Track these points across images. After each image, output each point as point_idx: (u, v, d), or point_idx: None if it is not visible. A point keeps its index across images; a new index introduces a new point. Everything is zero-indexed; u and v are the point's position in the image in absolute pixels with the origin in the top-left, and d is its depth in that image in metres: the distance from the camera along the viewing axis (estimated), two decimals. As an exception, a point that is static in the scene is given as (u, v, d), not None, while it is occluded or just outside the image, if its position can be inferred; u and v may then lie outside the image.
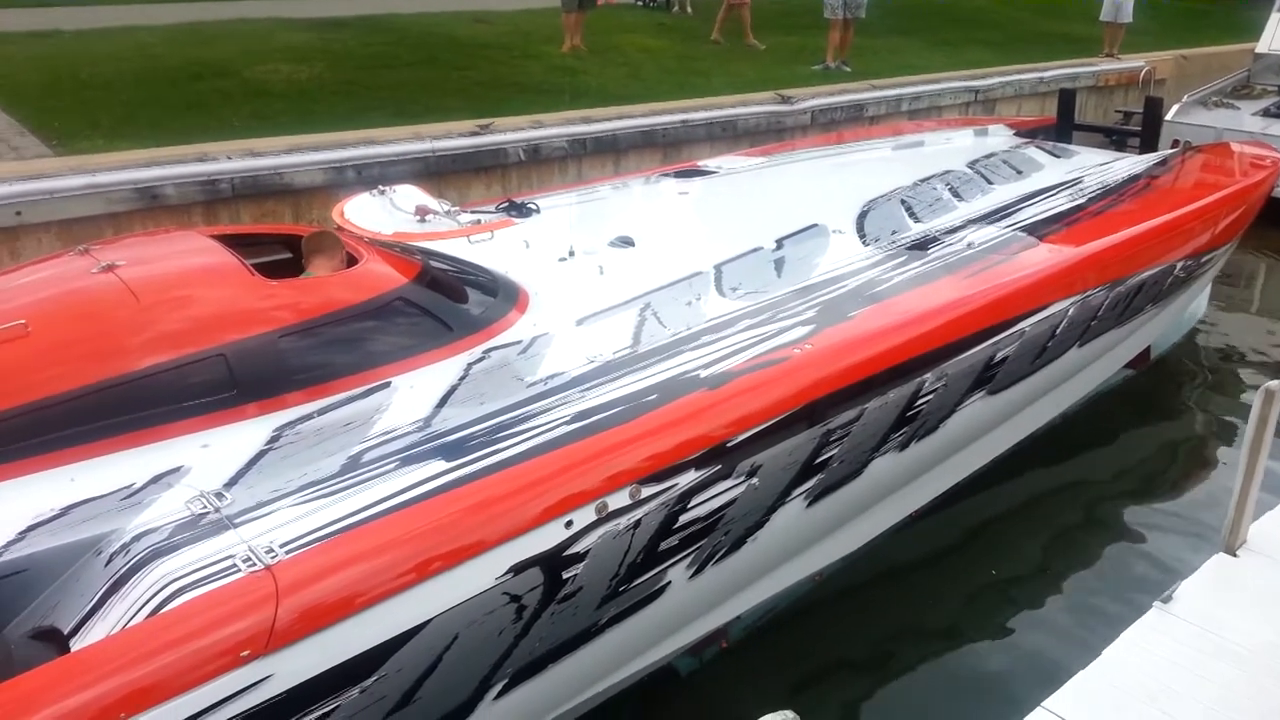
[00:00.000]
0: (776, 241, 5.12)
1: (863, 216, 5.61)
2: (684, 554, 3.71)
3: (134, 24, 11.34)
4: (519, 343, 3.94)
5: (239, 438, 3.23)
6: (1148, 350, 7.26)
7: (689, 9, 15.64)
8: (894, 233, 5.51)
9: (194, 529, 2.87)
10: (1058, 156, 7.39)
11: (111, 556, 2.81)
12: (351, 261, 3.98)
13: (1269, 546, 4.13)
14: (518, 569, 3.11)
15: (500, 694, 3.31)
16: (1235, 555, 4.08)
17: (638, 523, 3.43)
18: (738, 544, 3.94)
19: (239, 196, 6.66)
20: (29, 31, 10.60)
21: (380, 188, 5.18)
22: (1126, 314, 5.96)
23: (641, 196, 6.21)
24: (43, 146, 7.03)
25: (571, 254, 4.76)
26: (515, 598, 3.15)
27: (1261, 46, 13.41)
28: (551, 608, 3.28)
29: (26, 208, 5.91)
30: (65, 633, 2.67)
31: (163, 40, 10.72)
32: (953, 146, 7.57)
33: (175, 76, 9.16)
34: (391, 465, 3.21)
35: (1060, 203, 6.19)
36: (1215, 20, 21.18)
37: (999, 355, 4.83)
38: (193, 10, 11.97)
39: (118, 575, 2.74)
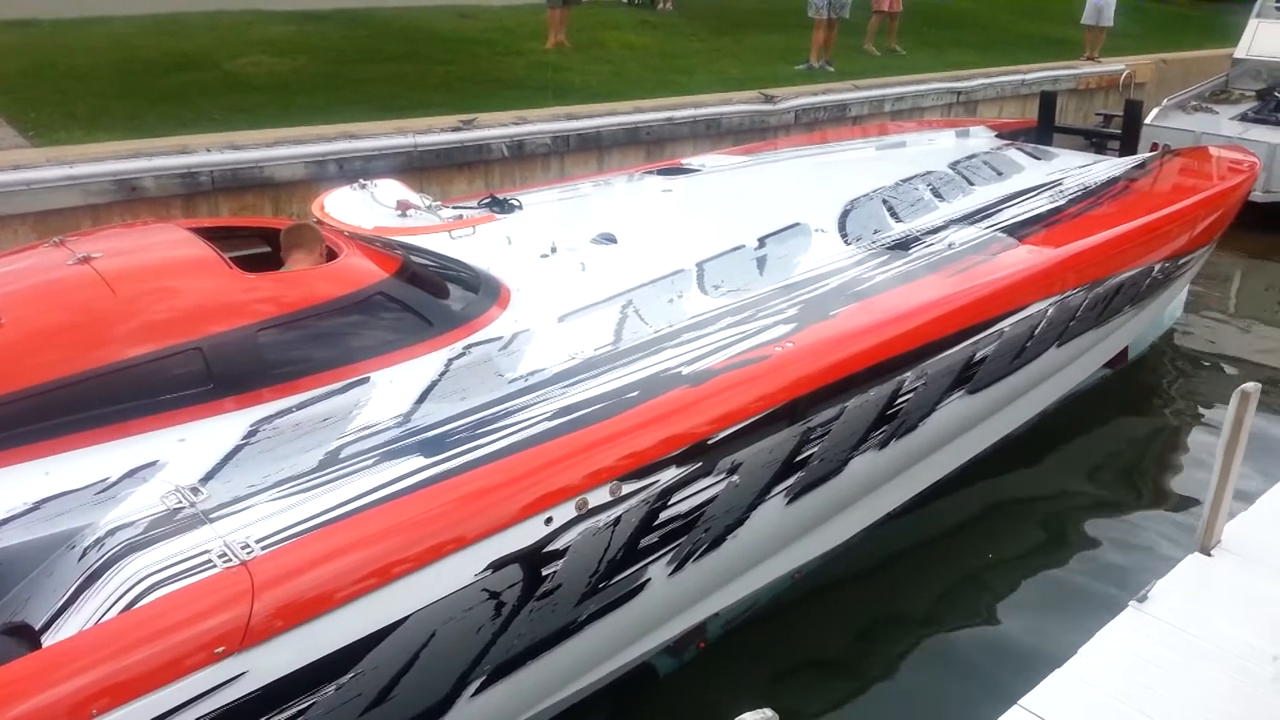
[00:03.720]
0: (759, 240, 5.13)
1: (845, 216, 5.62)
2: (664, 551, 3.70)
3: (112, 14, 11.22)
4: (500, 339, 3.92)
5: (215, 432, 3.19)
6: (1125, 351, 7.32)
7: (670, 5, 15.66)
8: (876, 232, 5.52)
9: (169, 524, 2.84)
10: (1038, 158, 7.43)
11: (85, 551, 2.78)
12: (331, 256, 3.95)
13: (1243, 547, 4.16)
14: (497, 565, 3.10)
15: (478, 691, 3.29)
16: (1210, 555, 4.11)
17: (618, 520, 3.42)
18: (717, 541, 3.94)
19: (218, 189, 6.61)
20: (5, 21, 10.47)
21: (361, 182, 5.14)
22: (1105, 315, 6.01)
23: (624, 194, 6.20)
24: (19, 137, 6.95)
25: (554, 250, 4.74)
26: (494, 594, 3.13)
27: (1240, 51, 13.54)
28: (530, 604, 3.27)
29: (2, 199, 5.85)
30: (37, 628, 2.64)
31: (141, 31, 10.63)
32: (934, 147, 7.60)
33: (154, 68, 9.09)
34: (370, 461, 3.19)
35: (1040, 204, 6.22)
36: (1195, 25, 21.38)
37: (978, 355, 4.85)
38: (172, 1, 11.85)
39: (91, 570, 2.71)
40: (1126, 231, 5.87)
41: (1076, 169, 7.11)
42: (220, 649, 2.55)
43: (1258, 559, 4.10)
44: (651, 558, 3.67)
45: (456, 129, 7.77)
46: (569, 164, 8.38)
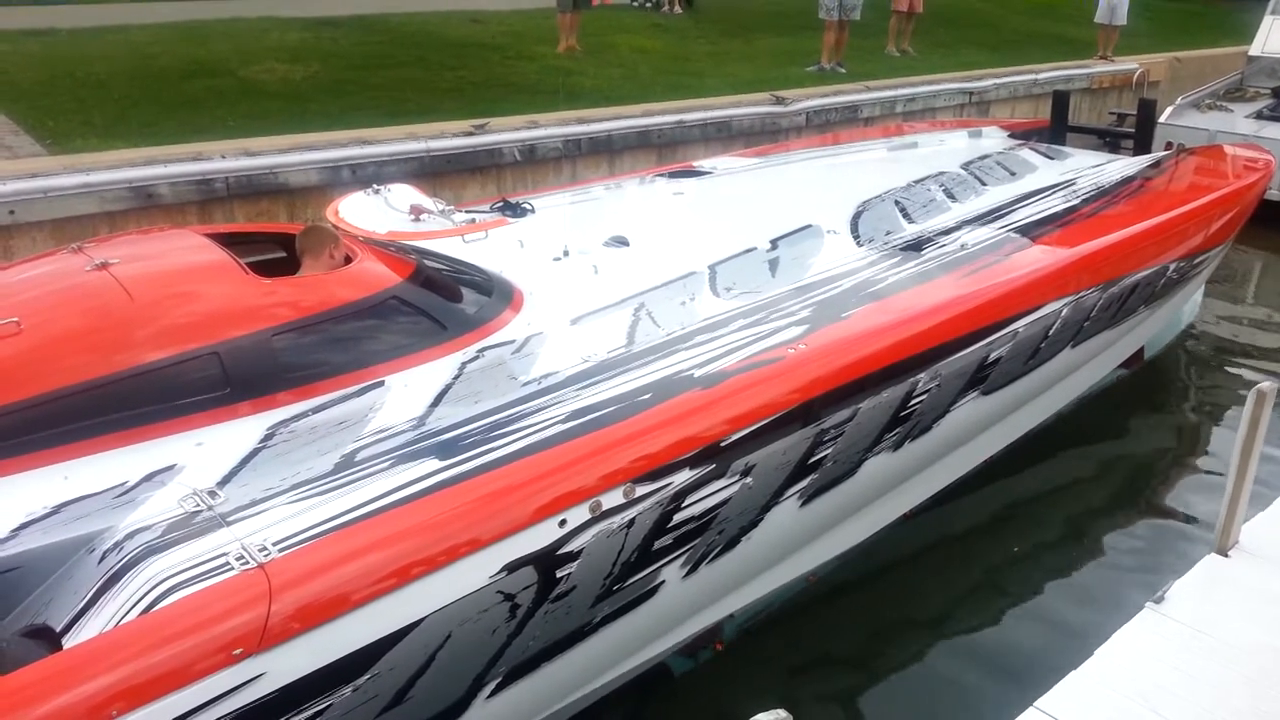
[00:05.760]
0: (771, 242, 5.13)
1: (857, 217, 5.62)
2: (678, 553, 3.71)
3: (128, 23, 11.31)
4: (513, 342, 3.94)
5: (232, 436, 3.22)
6: (1141, 351, 7.29)
7: (678, 8, 15.69)
8: (888, 233, 5.52)
9: (187, 527, 2.86)
10: (1051, 158, 7.41)
11: (104, 554, 2.81)
12: (346, 260, 3.98)
13: (1261, 547, 4.14)
14: (511, 567, 3.11)
15: (493, 693, 3.31)
16: (1227, 556, 4.09)
17: (631, 522, 3.43)
18: (731, 543, 3.94)
19: (234, 196, 6.65)
20: (23, 29, 10.58)
21: (375, 187, 5.17)
22: (1120, 315, 5.98)
23: (636, 197, 6.21)
24: (36, 145, 7.01)
25: (566, 254, 4.76)
26: (509, 596, 3.15)
27: (1254, 49, 13.47)
28: (545, 606, 3.28)
29: (20, 206, 5.89)
30: (57, 630, 2.66)
31: (157, 39, 10.71)
32: (947, 148, 7.59)
33: (170, 75, 9.16)
34: (385, 464, 3.21)
35: (1054, 204, 6.21)
36: (1209, 22, 21.27)
37: (992, 356, 4.84)
38: (187, 9, 11.95)
39: (110, 573, 2.73)
40: (1141, 231, 5.84)
41: (1090, 168, 7.09)
42: (238, 651, 2.57)
43: (1275, 559, 4.07)
44: (665, 560, 3.68)
45: (469, 134, 7.80)
46: (581, 167, 8.40)
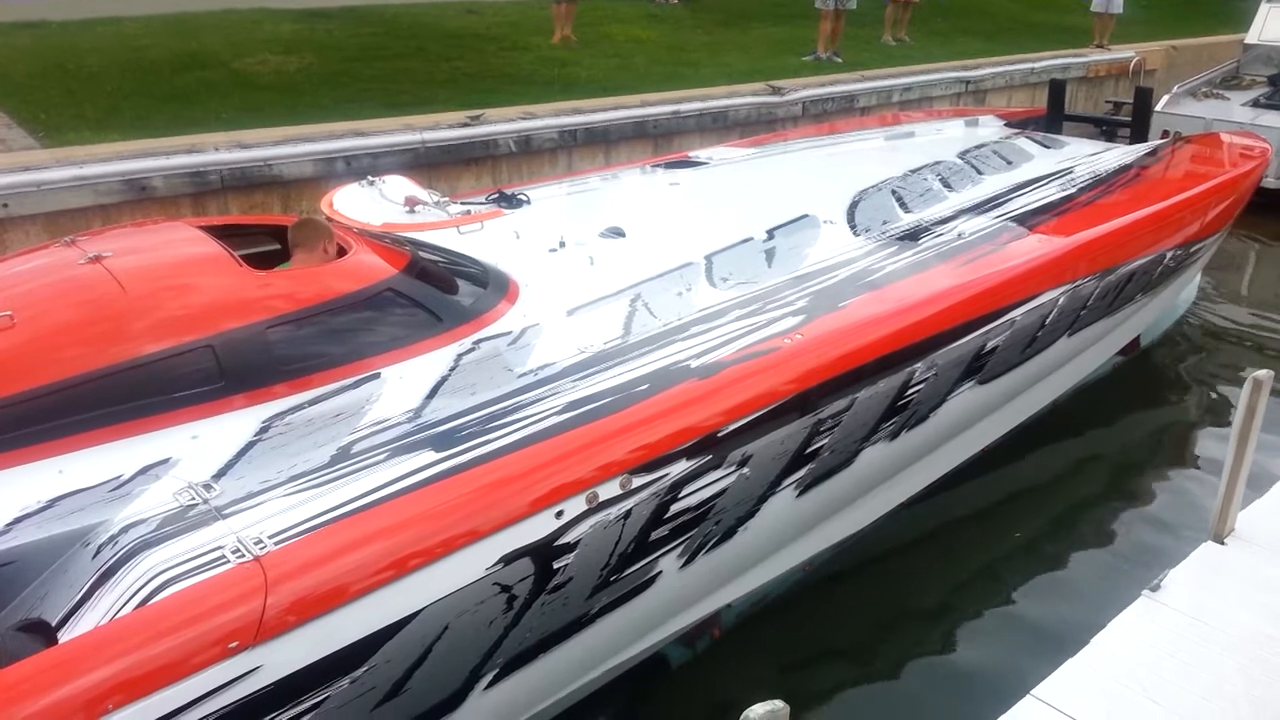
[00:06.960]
0: (767, 232, 5.12)
1: (853, 207, 5.61)
2: (675, 543, 3.71)
3: (120, 15, 11.26)
4: (509, 333, 3.93)
5: (228, 429, 3.21)
6: (1137, 339, 7.29)
7: None
8: (885, 223, 5.51)
9: (182, 520, 2.86)
10: (1048, 147, 7.40)
11: (100, 548, 2.80)
12: (340, 252, 3.96)
13: (1257, 535, 4.15)
14: (508, 559, 3.11)
15: (491, 684, 3.31)
16: (1223, 544, 4.10)
17: (628, 513, 3.43)
18: (729, 533, 3.95)
19: (228, 188, 6.63)
20: (14, 22, 10.52)
21: (369, 178, 5.15)
22: (1116, 303, 5.98)
23: (632, 187, 6.20)
24: (29, 138, 6.98)
25: (562, 245, 4.74)
26: (506, 588, 3.15)
27: (1251, 37, 13.46)
28: (542, 598, 3.29)
29: (13, 200, 5.87)
30: (53, 624, 2.66)
31: (149, 31, 10.66)
32: (943, 137, 7.58)
33: (162, 68, 9.11)
34: (381, 456, 3.21)
35: (1050, 193, 6.20)
36: (1205, 11, 21.22)
37: (989, 345, 4.84)
38: (179, 1, 11.89)
39: (106, 567, 2.72)
40: (1138, 219, 5.84)
41: (1087, 157, 7.08)
42: (234, 644, 2.57)
43: (1271, 547, 4.08)
44: (662, 550, 3.68)
45: (464, 125, 7.77)
46: (576, 158, 8.38)
